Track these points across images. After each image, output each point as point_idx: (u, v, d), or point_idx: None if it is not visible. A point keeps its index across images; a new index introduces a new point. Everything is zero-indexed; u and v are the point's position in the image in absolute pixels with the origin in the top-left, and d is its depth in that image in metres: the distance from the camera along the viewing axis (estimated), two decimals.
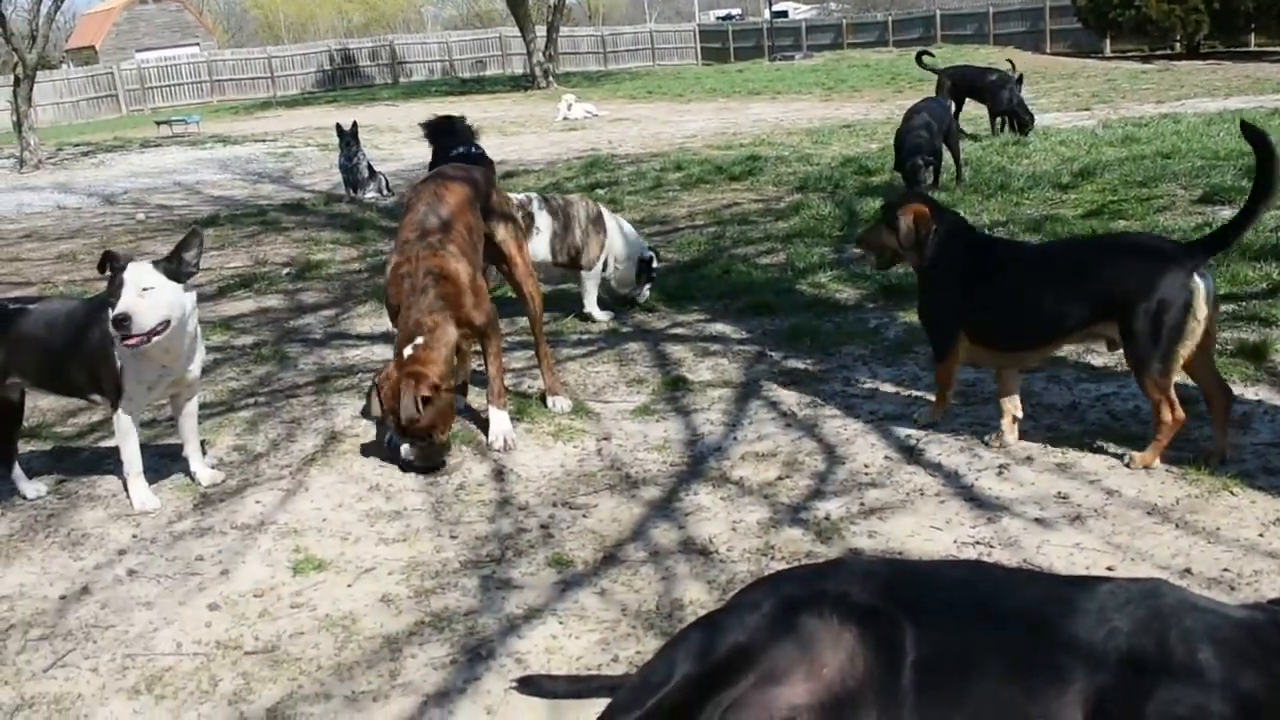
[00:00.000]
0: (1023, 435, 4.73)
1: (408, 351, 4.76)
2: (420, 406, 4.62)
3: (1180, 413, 4.28)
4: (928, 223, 4.72)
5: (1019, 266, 4.66)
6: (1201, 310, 4.14)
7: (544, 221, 7.02)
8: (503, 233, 5.46)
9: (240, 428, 5.60)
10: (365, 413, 5.40)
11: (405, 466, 4.84)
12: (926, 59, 16.34)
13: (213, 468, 4.96)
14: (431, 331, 4.80)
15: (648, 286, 7.47)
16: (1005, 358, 4.66)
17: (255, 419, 5.72)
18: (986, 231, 6.51)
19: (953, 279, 4.66)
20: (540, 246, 6.97)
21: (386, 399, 4.73)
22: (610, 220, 7.30)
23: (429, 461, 4.81)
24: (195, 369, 4.72)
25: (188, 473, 4.91)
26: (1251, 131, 4.08)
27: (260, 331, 7.57)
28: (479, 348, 5.37)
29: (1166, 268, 4.15)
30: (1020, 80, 15.03)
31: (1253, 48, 37.26)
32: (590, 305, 7.22)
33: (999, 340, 4.62)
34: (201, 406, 4.98)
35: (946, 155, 10.97)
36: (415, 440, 4.73)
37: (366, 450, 5.14)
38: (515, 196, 6.94)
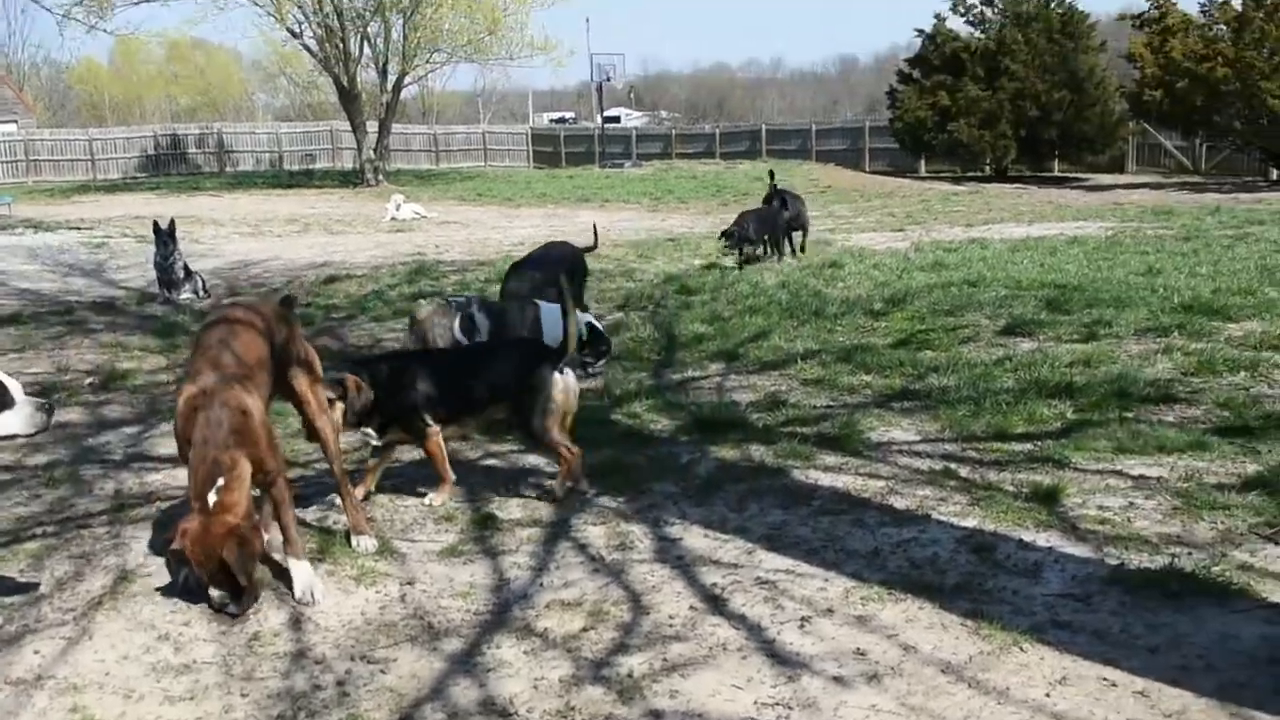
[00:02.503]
0: (824, 583, 4.78)
1: (212, 498, 4.53)
2: (247, 564, 4.48)
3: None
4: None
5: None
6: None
7: (483, 324, 7.27)
8: (295, 370, 5.32)
9: (24, 562, 5.29)
10: (169, 576, 5.07)
11: (219, 608, 4.63)
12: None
13: None
14: (232, 470, 4.60)
15: (601, 362, 7.99)
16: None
17: (42, 552, 5.42)
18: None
19: None
20: None
21: (195, 554, 4.49)
22: (547, 315, 7.51)
23: (245, 606, 4.62)
24: None
25: None
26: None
27: (55, 450, 7.20)
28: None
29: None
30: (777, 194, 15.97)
31: (1056, 173, 39.44)
32: None
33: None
34: None
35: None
36: (229, 589, 4.55)
37: (158, 591, 4.91)
38: (455, 299, 7.18)
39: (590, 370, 7.86)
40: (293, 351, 5.36)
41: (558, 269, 8.40)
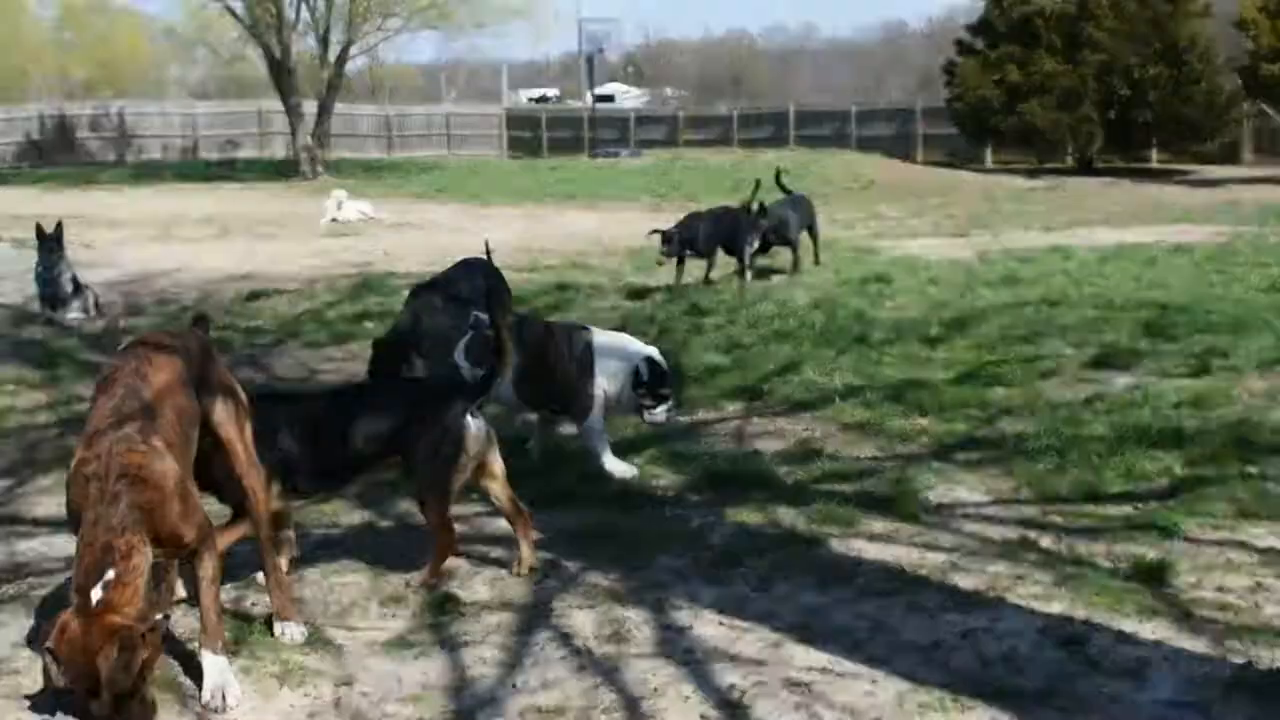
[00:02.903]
0: (872, 686, 4.68)
1: (96, 594, 4.39)
2: (129, 671, 4.33)
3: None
4: None
5: None
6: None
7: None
8: (220, 412, 5.23)
9: None
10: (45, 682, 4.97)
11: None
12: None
13: None
14: (126, 558, 4.46)
15: (662, 408, 7.68)
16: None
17: None
18: None
19: None
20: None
21: (68, 660, 4.36)
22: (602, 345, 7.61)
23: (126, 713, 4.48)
24: None
25: None
26: None
27: None
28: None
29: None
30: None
31: (1154, 164, 39.39)
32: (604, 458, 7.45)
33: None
34: None
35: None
36: (115, 704, 4.42)
37: (29, 697, 4.80)
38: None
39: (648, 418, 7.67)
40: (213, 386, 5.29)
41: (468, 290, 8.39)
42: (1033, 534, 6.20)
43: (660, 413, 7.63)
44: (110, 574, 4.40)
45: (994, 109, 38.08)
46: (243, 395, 5.49)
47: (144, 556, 4.50)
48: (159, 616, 5.27)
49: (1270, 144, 39.96)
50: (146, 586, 4.55)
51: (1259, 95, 37.06)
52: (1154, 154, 40.17)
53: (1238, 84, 37.02)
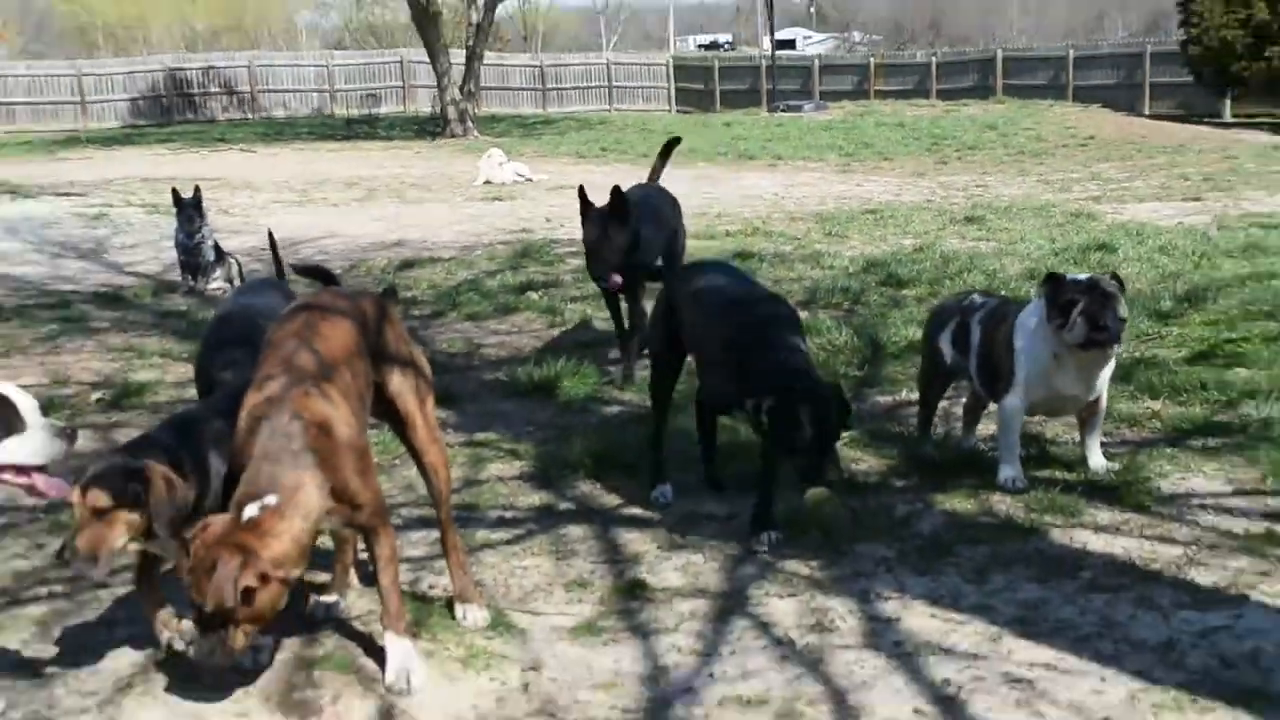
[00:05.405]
0: (1100, 684, 4.84)
1: (250, 511, 4.63)
2: (238, 595, 4.50)
3: None
4: None
5: None
6: None
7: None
8: (398, 383, 5.51)
9: (28, 630, 5.60)
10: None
11: (169, 650, 4.84)
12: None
13: None
14: (292, 493, 4.69)
15: None
16: None
17: (51, 618, 5.71)
18: None
19: None
20: None
21: (195, 557, 4.60)
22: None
23: (210, 658, 4.71)
24: None
25: None
26: None
27: None
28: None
29: None
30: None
31: None
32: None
33: None
34: None
35: None
36: (209, 628, 4.64)
37: (203, 667, 5.14)
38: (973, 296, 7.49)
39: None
40: (395, 357, 5.57)
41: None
42: (1278, 527, 6.21)
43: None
44: (271, 499, 4.64)
45: (1237, 53, 37.25)
46: (426, 368, 5.75)
47: (309, 498, 4.72)
48: (334, 599, 5.66)
49: None
50: (303, 535, 4.74)
51: None
52: None
53: None
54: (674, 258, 10.06)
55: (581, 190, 9.63)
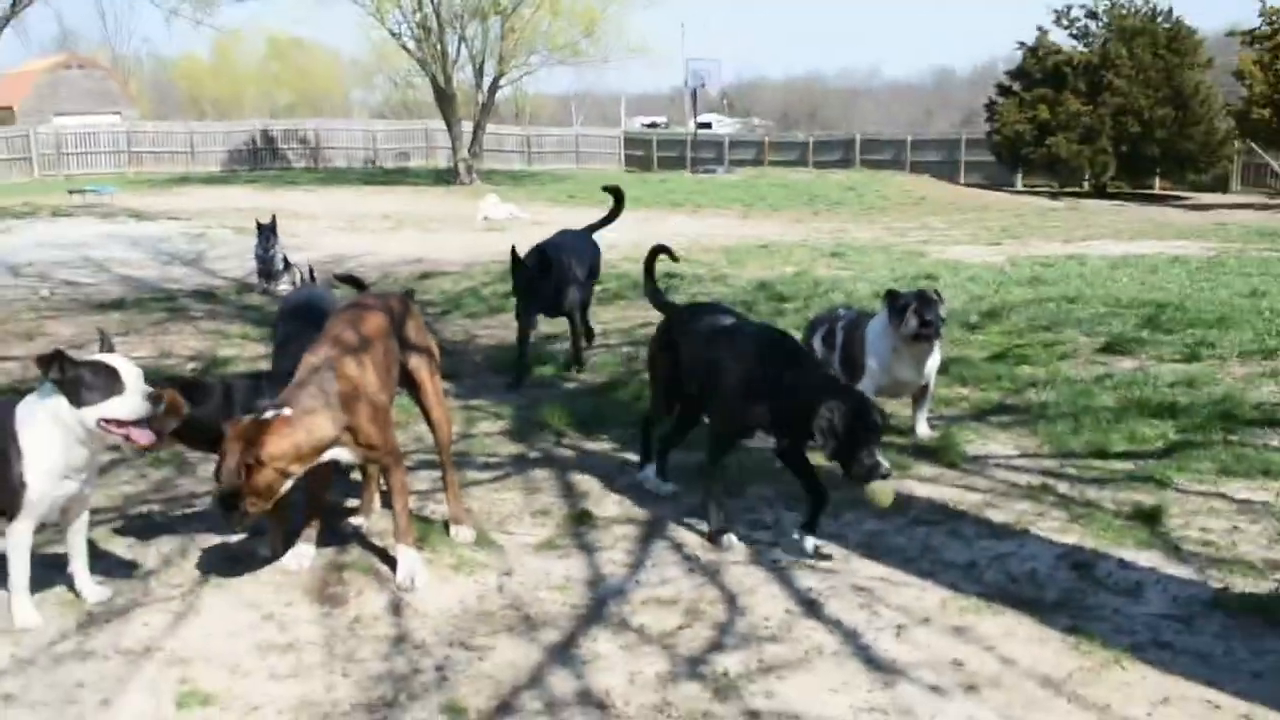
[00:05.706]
0: (921, 592, 4.80)
1: (268, 414, 4.63)
2: (236, 474, 4.52)
3: None
4: None
5: None
6: None
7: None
8: (415, 360, 5.49)
9: (131, 539, 5.47)
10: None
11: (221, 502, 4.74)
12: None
13: (99, 584, 4.83)
14: (305, 415, 4.67)
15: None
16: None
17: (147, 530, 5.59)
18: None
19: None
20: None
21: (220, 454, 4.62)
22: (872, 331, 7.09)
23: (225, 505, 4.68)
24: (93, 484, 4.66)
25: (72, 587, 4.77)
26: None
27: None
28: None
29: None
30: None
31: (1157, 190, 38.67)
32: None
33: None
34: (91, 512, 4.85)
35: None
36: (225, 497, 4.64)
37: (264, 573, 5.05)
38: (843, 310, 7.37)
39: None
40: (414, 342, 5.54)
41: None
42: (1051, 481, 6.23)
43: None
44: (287, 411, 4.65)
45: (1026, 141, 37.49)
46: (436, 350, 5.71)
47: (318, 424, 4.70)
48: (361, 518, 5.55)
49: (1255, 176, 39.04)
50: (304, 447, 4.69)
51: (1249, 135, 36.26)
52: (1157, 181, 39.30)
53: (1231, 125, 36.17)
54: (592, 276, 9.82)
55: (513, 249, 8.96)
